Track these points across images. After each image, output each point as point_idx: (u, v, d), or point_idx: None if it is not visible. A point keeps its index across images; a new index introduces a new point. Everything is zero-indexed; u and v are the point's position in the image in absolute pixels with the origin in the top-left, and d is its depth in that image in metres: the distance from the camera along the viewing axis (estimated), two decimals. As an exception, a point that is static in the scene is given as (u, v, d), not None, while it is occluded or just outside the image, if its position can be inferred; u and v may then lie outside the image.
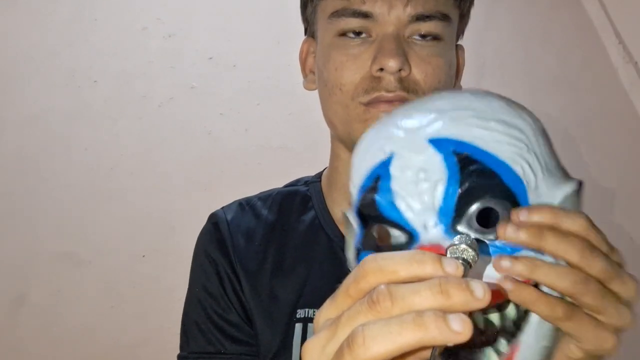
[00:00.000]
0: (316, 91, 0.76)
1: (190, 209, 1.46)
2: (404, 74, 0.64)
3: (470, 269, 0.33)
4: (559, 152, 0.48)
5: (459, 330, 0.28)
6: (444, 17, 0.66)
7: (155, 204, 1.51)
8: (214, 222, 0.76)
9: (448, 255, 0.34)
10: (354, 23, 0.65)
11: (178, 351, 0.75)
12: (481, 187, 0.41)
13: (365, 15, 0.65)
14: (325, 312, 0.34)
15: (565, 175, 0.46)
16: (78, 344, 1.41)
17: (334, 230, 0.73)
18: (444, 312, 0.29)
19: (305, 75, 0.77)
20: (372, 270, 0.32)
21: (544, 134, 0.46)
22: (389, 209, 0.43)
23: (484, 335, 0.41)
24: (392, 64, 0.62)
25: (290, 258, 0.72)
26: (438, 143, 0.42)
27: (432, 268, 0.31)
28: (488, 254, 0.40)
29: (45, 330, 1.41)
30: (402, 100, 0.64)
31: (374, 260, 0.32)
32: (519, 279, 0.38)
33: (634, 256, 1.58)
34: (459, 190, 0.41)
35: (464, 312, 0.29)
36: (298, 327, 0.68)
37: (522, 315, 0.41)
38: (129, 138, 1.55)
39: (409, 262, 0.31)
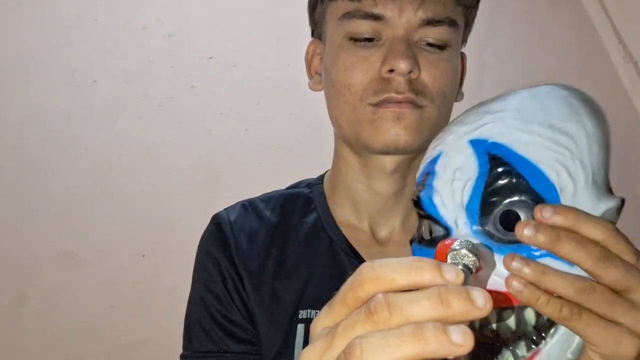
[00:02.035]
0: (317, 91, 0.76)
1: (190, 209, 1.46)
2: (413, 76, 0.64)
3: (471, 275, 0.33)
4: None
5: (460, 343, 0.27)
6: (453, 23, 0.67)
7: (155, 204, 1.51)
8: (217, 223, 0.76)
9: (448, 260, 0.33)
10: (365, 25, 0.66)
11: (178, 351, 0.75)
12: (507, 189, 0.41)
13: (377, 18, 0.65)
14: (322, 320, 0.33)
15: (609, 191, 0.45)
16: (78, 344, 1.41)
17: (335, 232, 0.73)
18: (444, 323, 0.28)
19: (310, 77, 0.77)
20: (370, 278, 0.31)
21: (602, 144, 0.45)
22: (429, 205, 0.45)
23: (499, 336, 0.41)
24: (402, 65, 0.63)
25: (292, 259, 0.72)
26: (476, 144, 0.43)
27: (431, 275, 0.30)
28: (505, 254, 0.40)
29: (45, 330, 1.41)
30: (411, 102, 0.65)
31: (371, 268, 0.31)
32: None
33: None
34: (484, 190, 0.42)
35: (465, 322, 0.29)
36: (300, 327, 0.68)
37: (547, 322, 0.41)
38: (129, 138, 1.55)
39: (407, 270, 0.30)
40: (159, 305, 1.43)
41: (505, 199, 0.41)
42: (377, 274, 0.31)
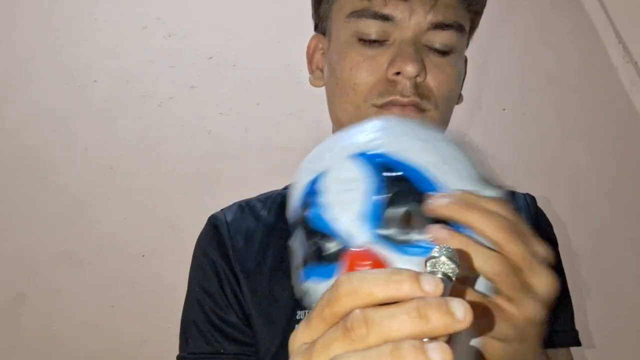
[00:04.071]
0: (317, 91, 0.76)
1: (190, 209, 1.46)
2: (419, 80, 0.64)
3: (451, 283, 0.32)
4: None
5: None
6: (460, 28, 0.67)
7: (155, 204, 1.51)
8: (214, 224, 0.76)
9: (427, 268, 0.32)
10: (374, 25, 0.65)
11: (178, 351, 0.75)
12: (401, 192, 0.44)
13: (386, 18, 0.65)
14: (301, 336, 0.32)
15: (488, 187, 0.49)
16: (78, 344, 1.41)
17: None
18: (422, 340, 0.27)
19: (311, 72, 0.77)
20: (347, 293, 0.30)
21: (460, 149, 0.49)
22: (320, 222, 0.46)
23: None
24: (410, 68, 0.63)
25: (289, 260, 0.72)
26: (359, 157, 0.46)
27: (410, 287, 0.29)
28: (409, 254, 0.43)
29: (45, 330, 1.41)
30: (416, 106, 0.64)
31: (348, 281, 0.30)
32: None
33: (636, 255, 1.57)
34: (380, 196, 0.44)
35: (445, 335, 0.28)
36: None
37: None
38: (129, 137, 1.55)
39: (385, 283, 0.29)
40: (159, 305, 1.43)
41: (401, 201, 0.44)
42: (354, 288, 0.30)
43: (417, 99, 0.64)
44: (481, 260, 0.40)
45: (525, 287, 0.41)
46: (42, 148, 1.53)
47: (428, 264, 0.32)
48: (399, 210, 0.44)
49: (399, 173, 0.45)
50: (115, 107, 1.57)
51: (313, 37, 0.76)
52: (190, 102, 1.59)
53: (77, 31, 1.61)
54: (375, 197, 0.44)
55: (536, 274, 0.42)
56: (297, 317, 0.69)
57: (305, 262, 0.50)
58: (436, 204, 0.41)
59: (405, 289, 0.29)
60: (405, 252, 0.43)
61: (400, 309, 0.28)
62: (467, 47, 0.74)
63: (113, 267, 1.46)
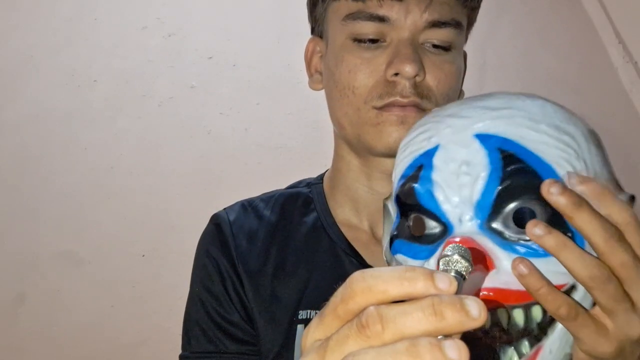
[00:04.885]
0: (317, 91, 0.76)
1: (190, 209, 1.46)
2: (418, 79, 0.64)
3: (464, 282, 0.32)
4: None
5: (456, 358, 0.27)
6: (457, 25, 0.67)
7: (155, 204, 1.51)
8: (216, 223, 0.76)
9: (440, 267, 0.33)
10: (370, 27, 0.65)
11: (178, 351, 0.75)
12: (522, 187, 0.41)
13: (382, 19, 0.65)
14: (314, 333, 0.32)
15: (618, 188, 0.45)
16: (78, 344, 1.41)
17: (335, 232, 0.73)
18: (438, 337, 0.28)
19: (310, 75, 0.77)
20: (361, 290, 0.30)
21: (597, 144, 0.45)
22: (427, 199, 0.43)
23: (506, 335, 0.41)
24: (408, 69, 0.63)
25: (292, 259, 0.72)
26: (484, 138, 0.42)
27: (424, 285, 0.29)
28: (517, 254, 0.40)
29: (45, 330, 1.41)
30: (416, 106, 0.64)
31: (362, 278, 0.30)
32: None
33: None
34: (499, 187, 0.41)
35: (460, 332, 0.28)
36: (300, 328, 0.68)
37: (549, 320, 0.41)
38: (129, 137, 1.55)
39: (399, 280, 0.29)
40: (159, 305, 1.43)
41: (520, 196, 0.41)
42: (368, 285, 0.30)
43: (417, 99, 0.64)
44: (575, 263, 0.38)
45: (626, 300, 0.38)
46: (42, 148, 1.53)
47: (441, 262, 0.33)
48: (516, 205, 0.41)
49: (523, 164, 0.41)
50: (115, 107, 1.57)
51: (310, 41, 0.76)
52: (190, 102, 1.59)
53: (77, 31, 1.61)
54: (494, 186, 0.41)
55: (636, 285, 0.39)
56: (300, 317, 0.69)
57: (398, 234, 0.47)
58: (552, 191, 0.38)
59: (419, 286, 0.29)
60: (513, 251, 0.40)
61: (415, 306, 0.29)
62: (465, 42, 0.74)
63: (113, 267, 1.46)
